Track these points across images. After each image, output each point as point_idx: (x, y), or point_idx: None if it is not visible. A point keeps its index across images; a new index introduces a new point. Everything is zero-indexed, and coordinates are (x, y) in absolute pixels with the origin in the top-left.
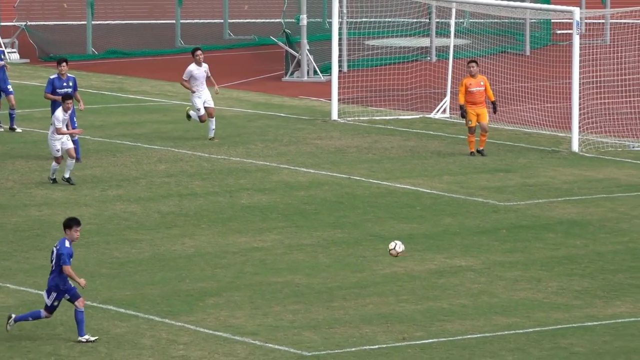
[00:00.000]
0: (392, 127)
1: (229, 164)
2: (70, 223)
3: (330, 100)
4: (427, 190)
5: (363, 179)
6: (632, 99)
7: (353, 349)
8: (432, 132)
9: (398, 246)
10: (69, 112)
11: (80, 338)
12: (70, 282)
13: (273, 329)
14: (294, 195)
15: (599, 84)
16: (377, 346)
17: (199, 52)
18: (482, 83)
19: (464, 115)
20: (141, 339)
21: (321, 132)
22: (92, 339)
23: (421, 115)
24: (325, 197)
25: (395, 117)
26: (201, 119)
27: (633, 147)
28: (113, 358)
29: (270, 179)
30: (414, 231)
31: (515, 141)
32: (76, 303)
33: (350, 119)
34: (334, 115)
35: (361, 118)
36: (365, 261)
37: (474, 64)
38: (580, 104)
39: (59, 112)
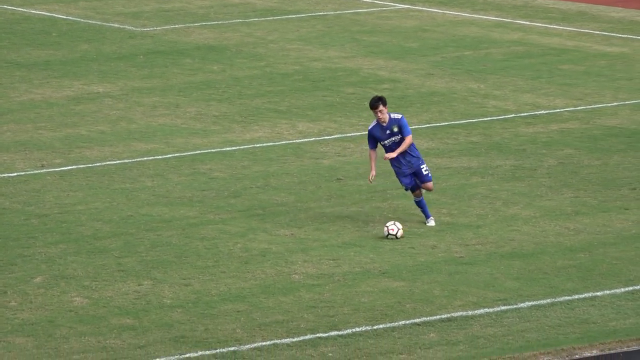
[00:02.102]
0: None
1: None
2: (369, 104)
3: None
4: (63, 17)
5: None
6: None
7: None
8: None
9: (398, 231)
10: None
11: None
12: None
13: None
14: None
15: None
16: (15, 174)
17: None
18: None
19: None
20: None
21: None
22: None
23: None
24: None
25: None
26: None
27: None
28: None
29: None
30: (51, 58)
31: None
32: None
33: None
34: None
35: None
36: (1, 88)
37: None
38: None
39: None
